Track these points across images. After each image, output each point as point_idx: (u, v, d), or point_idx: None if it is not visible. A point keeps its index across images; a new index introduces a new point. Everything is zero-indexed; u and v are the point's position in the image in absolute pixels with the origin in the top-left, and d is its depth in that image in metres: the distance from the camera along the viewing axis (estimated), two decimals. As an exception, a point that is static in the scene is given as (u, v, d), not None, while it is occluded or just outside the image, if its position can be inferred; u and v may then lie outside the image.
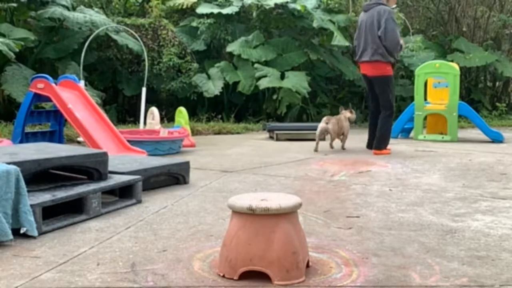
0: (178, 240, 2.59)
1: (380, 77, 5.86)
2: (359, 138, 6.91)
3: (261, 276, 2.05)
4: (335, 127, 6.20)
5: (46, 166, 3.00)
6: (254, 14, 10.43)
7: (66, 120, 5.97)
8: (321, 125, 6.20)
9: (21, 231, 2.55)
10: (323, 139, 6.39)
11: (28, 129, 6.31)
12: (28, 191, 2.67)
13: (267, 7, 9.94)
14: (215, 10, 9.96)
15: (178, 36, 9.90)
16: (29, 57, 8.74)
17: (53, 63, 8.87)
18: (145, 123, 7.16)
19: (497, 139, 7.27)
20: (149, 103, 8.10)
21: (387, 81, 5.91)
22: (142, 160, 4.15)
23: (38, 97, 5.80)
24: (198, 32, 10.12)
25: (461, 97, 9.16)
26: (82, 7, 9.17)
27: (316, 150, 6.10)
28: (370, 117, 6.26)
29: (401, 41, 5.90)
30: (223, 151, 6.12)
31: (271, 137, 7.71)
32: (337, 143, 6.36)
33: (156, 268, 2.20)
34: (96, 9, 9.62)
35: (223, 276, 2.09)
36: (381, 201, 3.50)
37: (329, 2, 10.47)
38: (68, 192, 2.91)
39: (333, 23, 9.98)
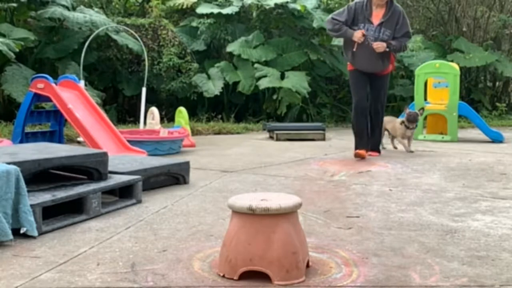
0: (178, 240, 2.59)
1: None
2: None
3: (261, 276, 2.05)
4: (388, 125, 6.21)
5: (46, 166, 3.00)
6: (254, 14, 10.43)
7: (66, 120, 5.97)
8: None
9: (21, 231, 2.55)
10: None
11: (28, 129, 6.31)
12: (28, 191, 2.67)
13: (267, 7, 9.94)
14: (215, 10, 9.97)
15: (178, 36, 9.91)
16: (29, 57, 8.73)
17: (53, 63, 8.87)
18: (145, 123, 7.16)
19: (497, 139, 7.27)
20: (149, 103, 8.10)
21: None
22: (142, 160, 4.14)
23: (38, 97, 5.80)
24: (198, 32, 10.13)
25: (461, 97, 9.15)
26: (82, 7, 9.17)
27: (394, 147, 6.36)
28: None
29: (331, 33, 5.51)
30: (223, 151, 6.12)
31: (271, 137, 7.71)
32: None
33: (156, 268, 2.20)
34: (96, 9, 9.62)
35: (223, 276, 2.09)
36: (381, 201, 3.50)
37: (329, 2, 10.47)
38: (68, 192, 2.91)
39: (333, 23, 9.97)
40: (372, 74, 5.43)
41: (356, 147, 5.48)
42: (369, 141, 5.58)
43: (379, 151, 5.76)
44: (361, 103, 5.44)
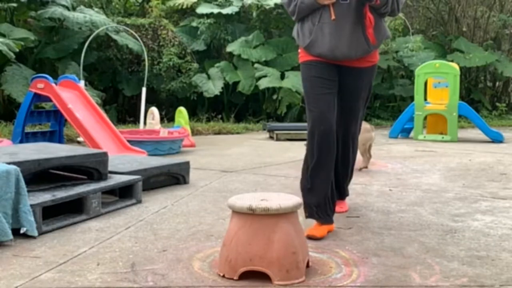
0: (178, 240, 2.59)
1: None
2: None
3: (261, 276, 2.04)
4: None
5: (46, 166, 3.00)
6: (254, 14, 10.43)
7: (66, 120, 5.97)
8: None
9: (21, 231, 2.55)
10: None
11: (28, 129, 6.31)
12: (28, 191, 2.67)
13: (267, 7, 9.94)
14: (215, 10, 9.97)
15: (178, 36, 9.91)
16: (29, 57, 8.74)
17: (53, 63, 8.87)
18: (145, 123, 7.17)
19: (497, 139, 7.27)
20: (149, 103, 8.10)
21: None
22: (142, 160, 4.14)
23: (38, 97, 5.80)
24: (198, 32, 10.13)
25: (461, 97, 9.16)
26: (82, 7, 9.17)
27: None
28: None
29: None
30: (223, 151, 6.12)
31: (271, 137, 7.71)
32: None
33: (156, 268, 2.20)
34: (96, 9, 9.62)
35: (223, 276, 2.09)
36: (381, 201, 3.50)
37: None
38: (68, 192, 2.91)
39: (333, 23, 9.98)
40: (343, 65, 2.90)
41: (312, 213, 2.79)
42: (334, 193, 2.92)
43: (345, 195, 3.25)
44: (325, 120, 2.77)
